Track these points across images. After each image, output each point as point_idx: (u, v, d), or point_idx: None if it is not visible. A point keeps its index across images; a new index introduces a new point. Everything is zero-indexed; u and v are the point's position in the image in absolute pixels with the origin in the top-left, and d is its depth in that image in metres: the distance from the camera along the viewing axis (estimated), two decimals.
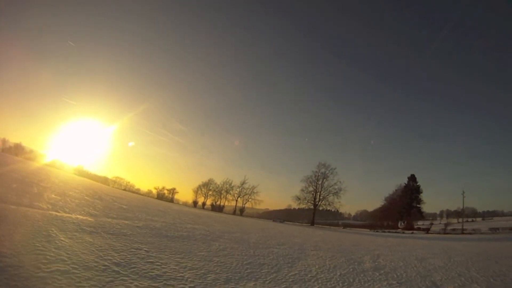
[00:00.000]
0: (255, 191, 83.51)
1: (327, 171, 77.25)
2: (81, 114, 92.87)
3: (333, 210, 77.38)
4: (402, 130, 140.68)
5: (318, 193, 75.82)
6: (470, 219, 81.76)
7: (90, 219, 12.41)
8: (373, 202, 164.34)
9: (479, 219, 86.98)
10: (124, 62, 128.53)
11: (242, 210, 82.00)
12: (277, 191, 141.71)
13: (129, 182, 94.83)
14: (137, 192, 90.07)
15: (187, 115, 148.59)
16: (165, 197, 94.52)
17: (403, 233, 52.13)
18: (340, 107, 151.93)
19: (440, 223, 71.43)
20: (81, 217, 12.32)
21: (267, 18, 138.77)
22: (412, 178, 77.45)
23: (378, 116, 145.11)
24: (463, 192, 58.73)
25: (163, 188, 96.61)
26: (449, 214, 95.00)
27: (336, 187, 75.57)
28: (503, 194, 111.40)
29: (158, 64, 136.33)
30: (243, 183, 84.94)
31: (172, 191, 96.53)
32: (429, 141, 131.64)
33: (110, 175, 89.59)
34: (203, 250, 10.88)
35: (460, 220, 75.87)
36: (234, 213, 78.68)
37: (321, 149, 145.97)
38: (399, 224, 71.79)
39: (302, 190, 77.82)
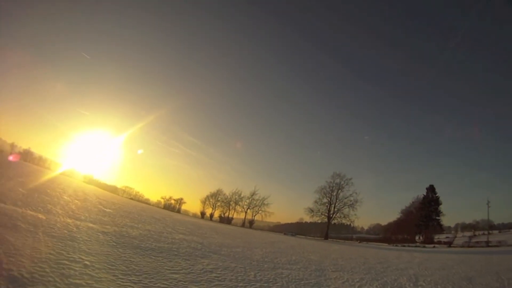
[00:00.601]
0: (266, 203, 78.30)
1: (342, 182, 71.47)
2: (93, 124, 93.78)
3: (347, 224, 72.46)
4: (413, 144, 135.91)
5: (333, 205, 70.11)
6: (486, 232, 75.27)
7: (41, 216, 9.55)
8: (385, 215, 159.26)
9: (495, 231, 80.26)
10: (136, 74, 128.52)
11: (251, 222, 77.08)
12: (289, 204, 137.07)
13: (138, 192, 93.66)
14: (146, 202, 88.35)
15: (199, 127, 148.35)
16: (172, 207, 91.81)
17: (424, 247, 47.77)
18: (352, 121, 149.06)
19: (455, 236, 65.72)
20: (30, 212, 9.58)
21: (281, 31, 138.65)
22: (431, 189, 72.18)
23: (389, 129, 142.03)
24: (488, 202, 54.18)
25: (170, 197, 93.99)
26: (464, 227, 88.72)
27: (352, 198, 69.65)
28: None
29: (171, 75, 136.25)
30: (253, 194, 79.85)
31: (179, 201, 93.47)
32: (440, 155, 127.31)
33: (119, 185, 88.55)
34: (181, 270, 7.45)
35: (477, 232, 71.55)
36: (243, 225, 74.47)
37: (333, 162, 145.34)
38: (417, 238, 66.94)
39: (316, 201, 72.10)
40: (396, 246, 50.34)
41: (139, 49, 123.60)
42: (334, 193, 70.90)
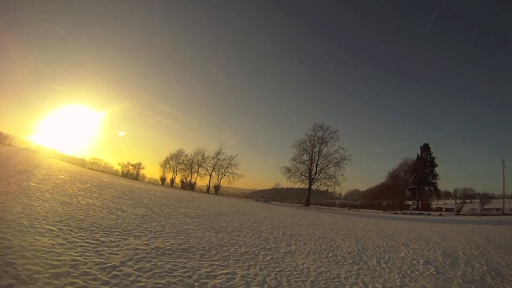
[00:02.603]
0: (233, 163, 63.89)
1: (326, 135, 56.60)
2: (67, 99, 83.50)
3: (330, 188, 58.94)
4: (392, 113, 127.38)
5: (314, 164, 55.83)
6: (468, 201, 68.15)
7: None
8: (363, 181, 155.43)
9: (476, 201, 73.61)
10: (111, 46, 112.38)
11: (217, 187, 63.30)
12: (266, 170, 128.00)
13: (107, 163, 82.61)
14: (115, 173, 75.77)
15: (173, 97, 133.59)
16: (131, 174, 79.23)
17: (429, 214, 38.72)
18: (331, 87, 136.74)
19: (464, 203, 56.49)
20: None
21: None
22: (426, 148, 62.62)
23: (367, 98, 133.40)
24: (503, 162, 44.44)
25: (128, 163, 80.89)
26: (444, 194, 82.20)
27: (337, 155, 55.33)
28: (490, 177, 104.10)
29: (146, 47, 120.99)
30: (218, 153, 65.05)
31: (138, 166, 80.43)
32: (419, 125, 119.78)
33: (87, 157, 77.27)
34: None
35: (458, 201, 65.14)
36: (207, 191, 61.60)
37: (310, 128, 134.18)
38: (412, 204, 58.18)
39: (294, 159, 57.20)
40: (395, 214, 40.60)
41: (113, 23, 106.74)
42: (316, 149, 56.44)
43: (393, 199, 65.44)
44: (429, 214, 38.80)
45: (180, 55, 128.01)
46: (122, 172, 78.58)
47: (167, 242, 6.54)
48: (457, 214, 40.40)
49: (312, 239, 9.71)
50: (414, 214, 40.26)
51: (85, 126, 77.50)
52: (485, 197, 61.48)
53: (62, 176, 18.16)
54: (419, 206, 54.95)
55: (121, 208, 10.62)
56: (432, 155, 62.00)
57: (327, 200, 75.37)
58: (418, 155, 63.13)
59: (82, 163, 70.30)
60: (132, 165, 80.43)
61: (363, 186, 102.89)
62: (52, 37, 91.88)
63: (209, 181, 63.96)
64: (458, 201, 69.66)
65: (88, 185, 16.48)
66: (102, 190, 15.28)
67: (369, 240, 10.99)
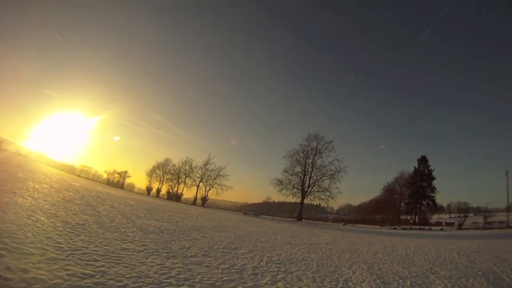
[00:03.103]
0: (222, 174, 60.23)
1: (320, 146, 53.38)
2: (61, 105, 78.13)
3: (323, 202, 55.99)
4: (385, 127, 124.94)
5: (308, 176, 52.57)
6: (462, 215, 65.98)
7: None
8: (355, 196, 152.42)
9: (471, 214, 71.38)
10: (106, 53, 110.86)
11: (204, 199, 59.45)
12: (257, 185, 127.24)
13: (96, 171, 78.59)
14: (103, 181, 72.26)
15: (166, 107, 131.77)
16: (116, 182, 75.47)
17: (430, 229, 36.61)
18: (324, 100, 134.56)
19: (466, 216, 53.75)
20: None
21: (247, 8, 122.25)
22: (423, 160, 60.07)
23: (361, 110, 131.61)
24: (507, 172, 42.32)
25: (114, 171, 77.12)
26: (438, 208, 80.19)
27: (332, 167, 52.14)
28: (483, 191, 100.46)
29: (141, 56, 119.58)
30: (206, 163, 61.39)
31: (123, 174, 76.57)
32: (412, 138, 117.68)
33: (77, 165, 73.43)
34: None
35: (453, 215, 63.51)
36: (194, 203, 57.87)
37: (303, 138, 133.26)
38: (410, 219, 55.49)
39: (286, 171, 53.84)
40: (394, 229, 38.15)
41: (111, 32, 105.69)
42: (310, 160, 53.26)
43: (388, 213, 63.06)
44: (430, 229, 36.43)
45: (172, 64, 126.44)
46: (108, 180, 74.98)
47: (66, 271, 3.76)
48: (459, 228, 38.19)
49: (309, 269, 6.88)
50: (415, 229, 37.73)
51: (78, 132, 75.53)
52: (480, 211, 59.82)
53: (21, 175, 15.37)
54: (416, 221, 52.29)
55: (54, 212, 7.85)
56: (429, 168, 59.52)
57: (319, 215, 72.21)
58: (415, 167, 60.60)
59: (71, 169, 67.00)
60: (118, 173, 76.91)
61: (355, 201, 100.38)
62: (48, 43, 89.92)
63: (196, 192, 60.51)
64: (453, 215, 68.01)
65: (45, 185, 13.65)
66: (57, 192, 12.55)
67: (383, 266, 8.25)
